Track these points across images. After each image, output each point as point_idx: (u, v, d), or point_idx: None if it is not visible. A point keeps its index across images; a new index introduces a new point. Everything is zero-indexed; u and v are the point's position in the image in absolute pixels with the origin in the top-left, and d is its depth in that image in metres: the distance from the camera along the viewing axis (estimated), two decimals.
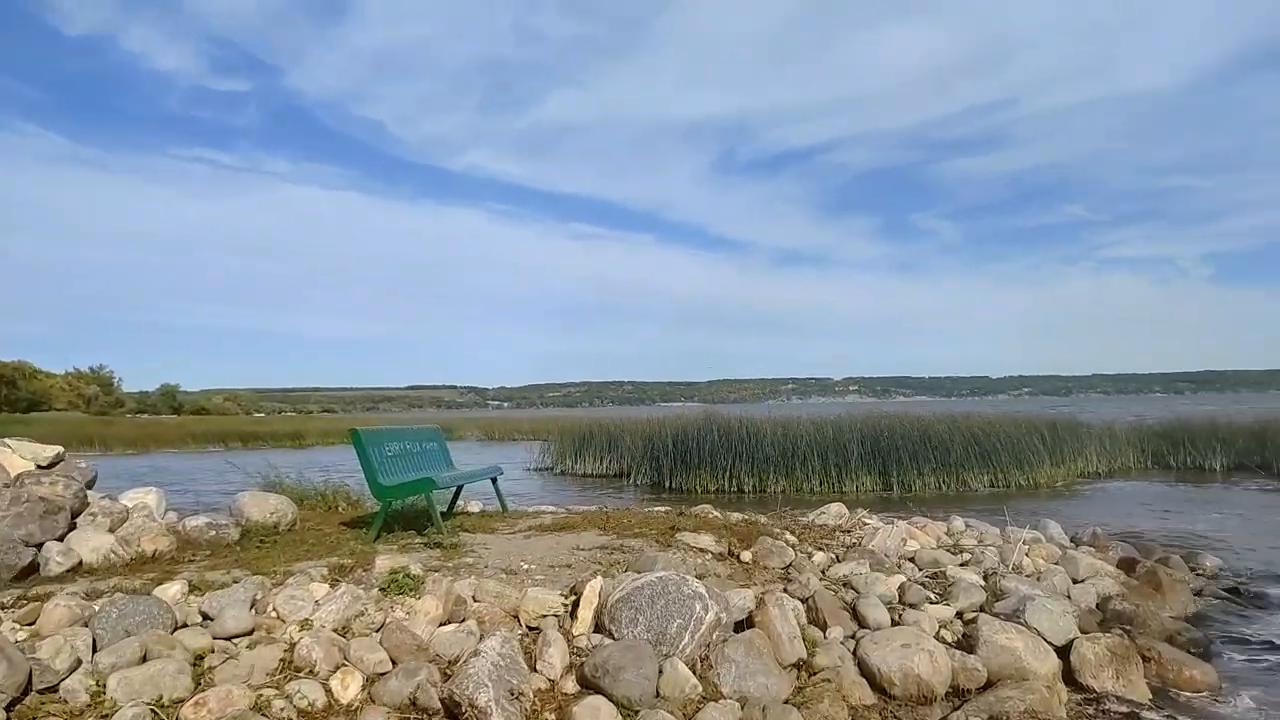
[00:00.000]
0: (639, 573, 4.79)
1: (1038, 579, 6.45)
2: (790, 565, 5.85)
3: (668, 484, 18.07)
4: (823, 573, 5.87)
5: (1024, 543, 7.36)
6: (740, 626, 4.77)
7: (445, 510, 7.79)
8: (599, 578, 4.64)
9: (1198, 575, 8.13)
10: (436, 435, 7.47)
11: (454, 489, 7.73)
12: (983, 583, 5.93)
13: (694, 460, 17.76)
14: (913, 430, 17.53)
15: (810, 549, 6.39)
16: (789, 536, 6.65)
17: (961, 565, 6.33)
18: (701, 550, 5.78)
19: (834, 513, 8.53)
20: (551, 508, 8.44)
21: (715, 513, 8.18)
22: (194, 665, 3.79)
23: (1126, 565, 7.63)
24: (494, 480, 7.57)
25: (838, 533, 7.11)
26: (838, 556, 6.29)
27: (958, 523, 8.38)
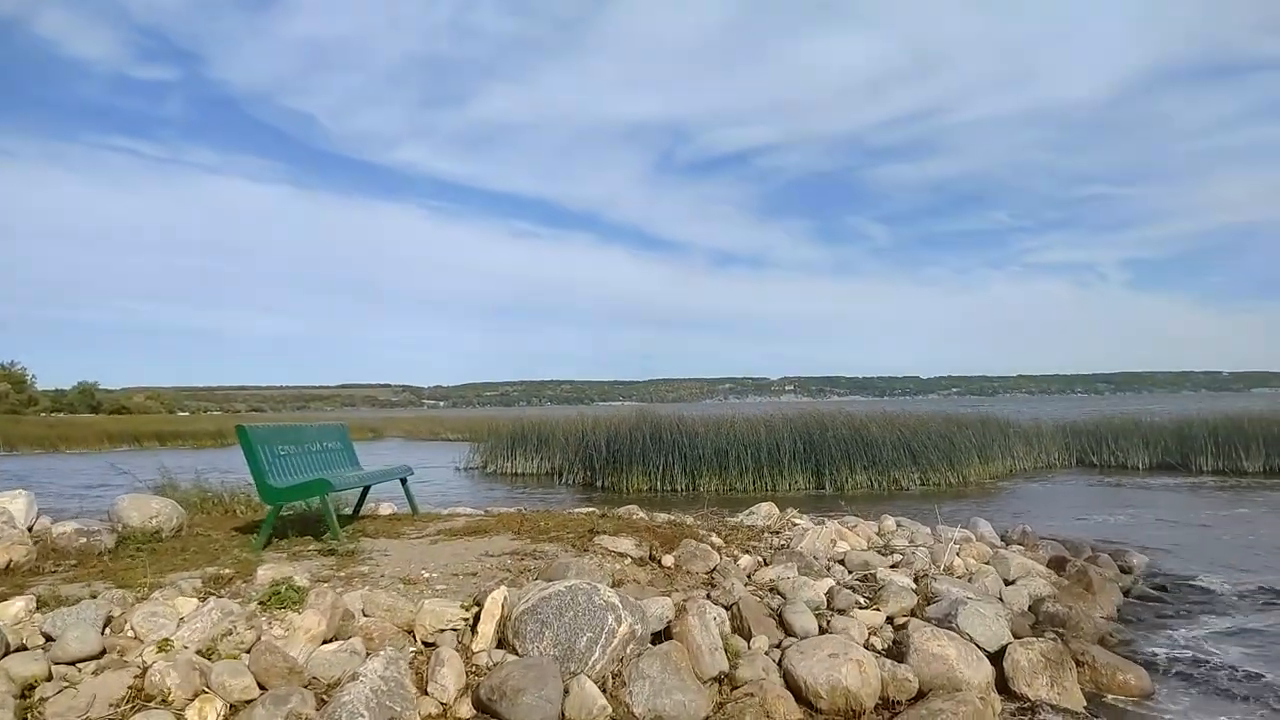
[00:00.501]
0: (549, 581, 4.40)
1: (969, 580, 6.25)
2: (714, 570, 5.52)
3: (600, 484, 17.72)
4: (748, 577, 5.55)
5: (955, 543, 7.18)
6: (658, 638, 4.41)
7: (351, 513, 7.28)
8: (503, 588, 4.23)
9: (1126, 573, 8.08)
10: (340, 433, 6.95)
11: (361, 491, 7.23)
12: (914, 585, 5.69)
13: (626, 460, 17.44)
14: (845, 428, 17.48)
15: (737, 552, 6.07)
16: (715, 539, 6.33)
17: (892, 567, 6.08)
18: (620, 555, 5.41)
19: (763, 513, 8.25)
20: (469, 510, 7.99)
21: (641, 514, 7.83)
22: (20, 698, 3.26)
23: (1057, 564, 7.52)
24: (403, 481, 7.08)
25: (766, 534, 6.81)
26: (765, 559, 5.98)
27: (889, 522, 8.18)
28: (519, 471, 20.99)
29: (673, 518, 7.48)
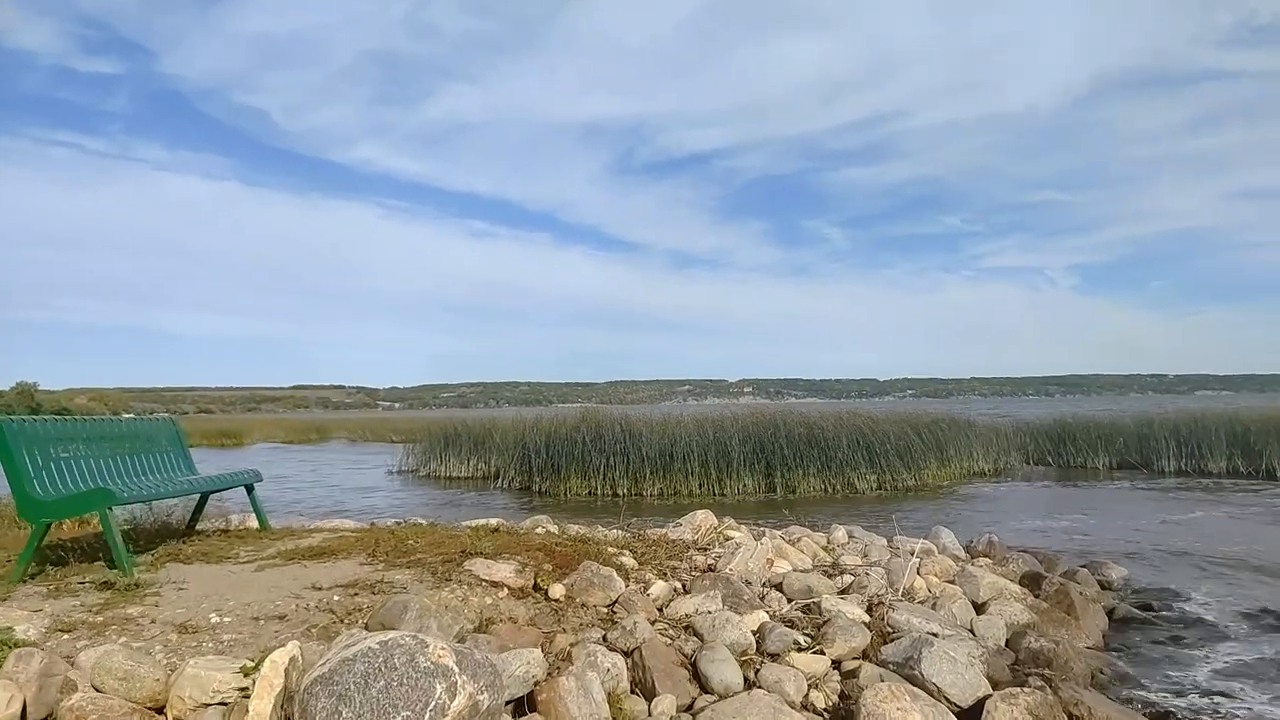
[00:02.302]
0: (366, 632, 3.20)
1: (934, 606, 5.16)
2: (617, 602, 4.35)
3: (538, 488, 16.51)
4: (659, 611, 4.39)
5: (915, 556, 6.10)
6: (521, 707, 3.24)
7: (186, 528, 5.99)
8: (293, 644, 3.00)
9: (1107, 589, 7.12)
10: (166, 429, 5.64)
11: (198, 501, 5.94)
12: (866, 617, 4.58)
13: (565, 463, 16.24)
14: (797, 429, 16.47)
15: (650, 575, 4.90)
16: (626, 559, 5.15)
17: (841, 593, 4.96)
18: (495, 585, 4.21)
19: (694, 524, 7.12)
20: (345, 523, 6.72)
21: (550, 526, 6.64)
22: None
23: (1031, 582, 6.49)
24: (249, 489, 5.80)
25: (692, 551, 5.65)
26: (684, 585, 4.82)
27: (839, 533, 7.09)
28: (453, 475, 19.71)
29: (584, 531, 6.31)
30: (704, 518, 7.55)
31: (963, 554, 7.48)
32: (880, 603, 4.85)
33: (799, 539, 6.32)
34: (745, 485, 15.73)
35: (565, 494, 15.66)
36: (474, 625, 3.83)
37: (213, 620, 3.52)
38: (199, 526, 6.21)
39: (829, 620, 4.34)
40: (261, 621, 3.52)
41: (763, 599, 4.68)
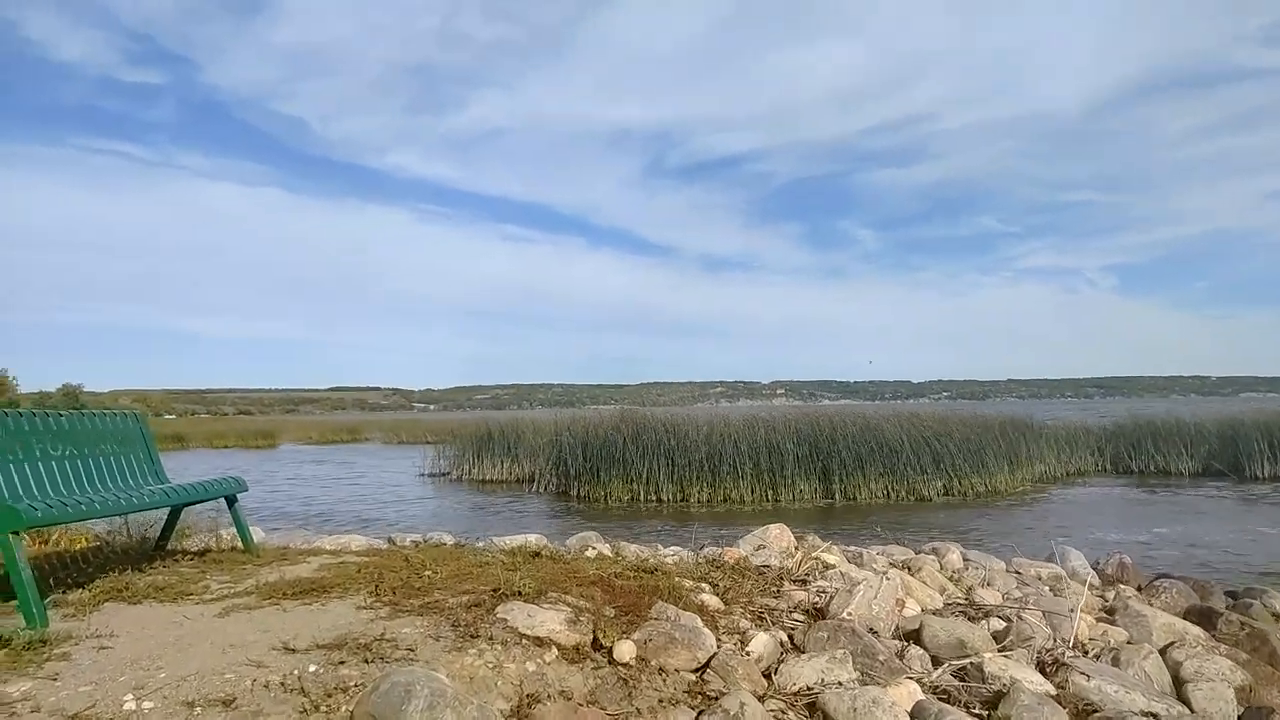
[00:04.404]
0: None
1: (1114, 661, 3.89)
2: (708, 666, 3.13)
3: (575, 493, 15.36)
4: (768, 678, 3.17)
5: (1085, 589, 4.82)
6: None
7: (155, 546, 4.87)
8: None
9: None
10: (127, 426, 4.50)
11: (169, 515, 4.81)
12: (1047, 684, 3.32)
13: (605, 466, 15.06)
14: (855, 430, 15.14)
15: (743, 621, 3.69)
16: (706, 595, 3.94)
17: (1002, 649, 3.69)
18: (539, 643, 3.02)
19: (775, 543, 5.90)
20: (353, 540, 5.56)
21: (601, 546, 5.44)
22: None
23: (1201, 618, 5.17)
24: (230, 501, 4.66)
25: (787, 583, 4.42)
26: (791, 637, 3.59)
27: (953, 556, 5.83)
28: (486, 478, 18.63)
29: (644, 554, 5.11)
30: (778, 533, 6.34)
31: (1095, 579, 6.19)
32: (1055, 660, 3.59)
33: (920, 568, 5.04)
34: (800, 491, 14.46)
35: (605, 500, 14.50)
36: (511, 708, 2.64)
37: (125, 708, 2.36)
38: (176, 545, 5.10)
39: (1003, 693, 3.09)
40: (197, 710, 2.35)
41: (902, 657, 3.44)
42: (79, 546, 5.14)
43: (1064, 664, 3.54)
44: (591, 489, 15.04)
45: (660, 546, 5.99)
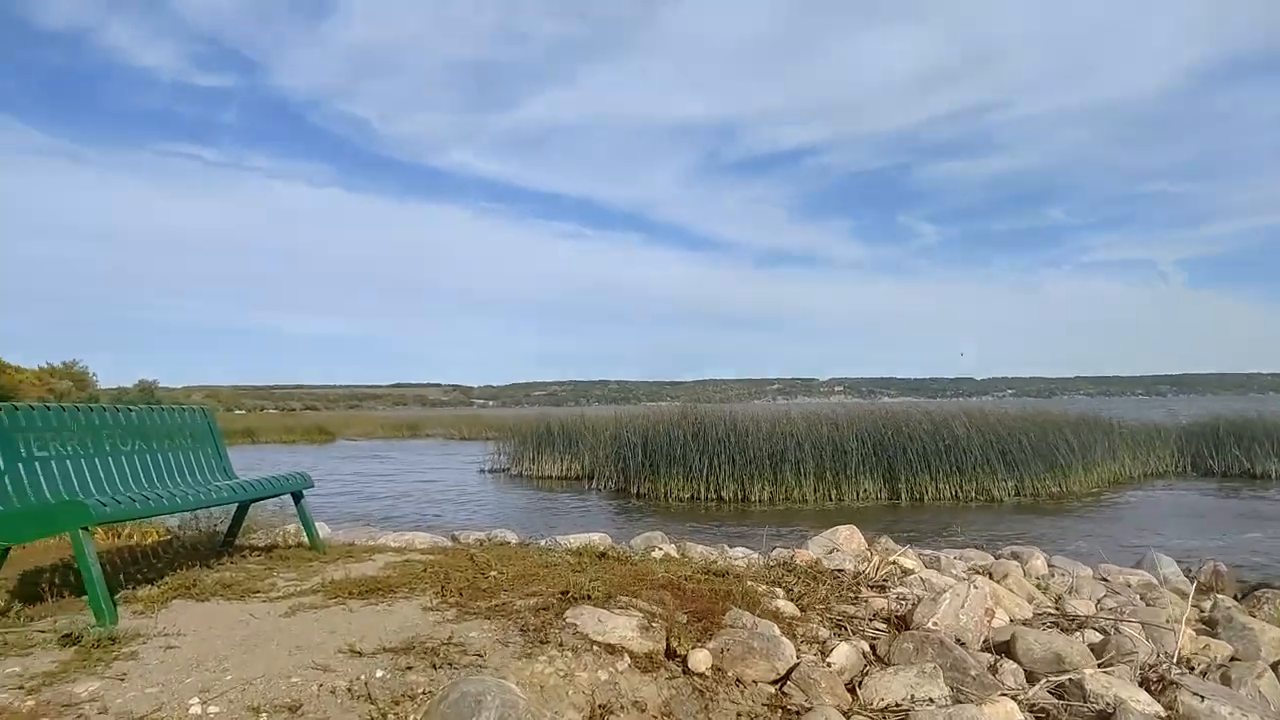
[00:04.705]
0: None
1: (1223, 679, 3.61)
2: (788, 677, 2.96)
3: (635, 490, 15.25)
4: (852, 693, 2.99)
5: (1189, 601, 4.53)
6: None
7: (223, 543, 4.88)
8: None
9: None
10: (195, 422, 4.51)
11: (236, 510, 4.81)
12: (1154, 704, 3.08)
13: (665, 463, 14.92)
14: (922, 428, 14.73)
15: (820, 629, 3.51)
16: (780, 601, 3.77)
17: (1102, 665, 3.45)
18: (611, 649, 2.89)
19: (846, 544, 5.70)
20: (417, 538, 5.52)
21: (666, 546, 5.31)
22: None
23: None
24: (296, 497, 4.63)
25: (864, 588, 4.22)
26: (873, 648, 3.40)
27: (1037, 562, 5.54)
28: (546, 474, 18.65)
29: (712, 557, 4.96)
30: (849, 535, 6.14)
31: (1188, 586, 5.83)
32: (1161, 678, 3.34)
33: (1005, 575, 4.79)
34: (865, 490, 14.12)
35: (665, 498, 14.36)
36: (583, 719, 2.52)
37: (191, 712, 2.30)
38: (244, 541, 5.11)
39: (1108, 714, 2.86)
40: (262, 717, 2.27)
41: (995, 672, 3.23)
42: (150, 541, 5.19)
43: (1171, 682, 3.28)
44: (652, 486, 14.91)
45: (727, 547, 5.83)
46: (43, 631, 2.96)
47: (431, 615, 3.21)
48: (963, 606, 3.57)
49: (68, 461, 3.48)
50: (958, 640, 3.41)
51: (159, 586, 3.57)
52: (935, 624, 3.49)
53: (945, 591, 3.65)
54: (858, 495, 14.01)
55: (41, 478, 3.33)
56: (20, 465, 3.25)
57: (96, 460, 3.64)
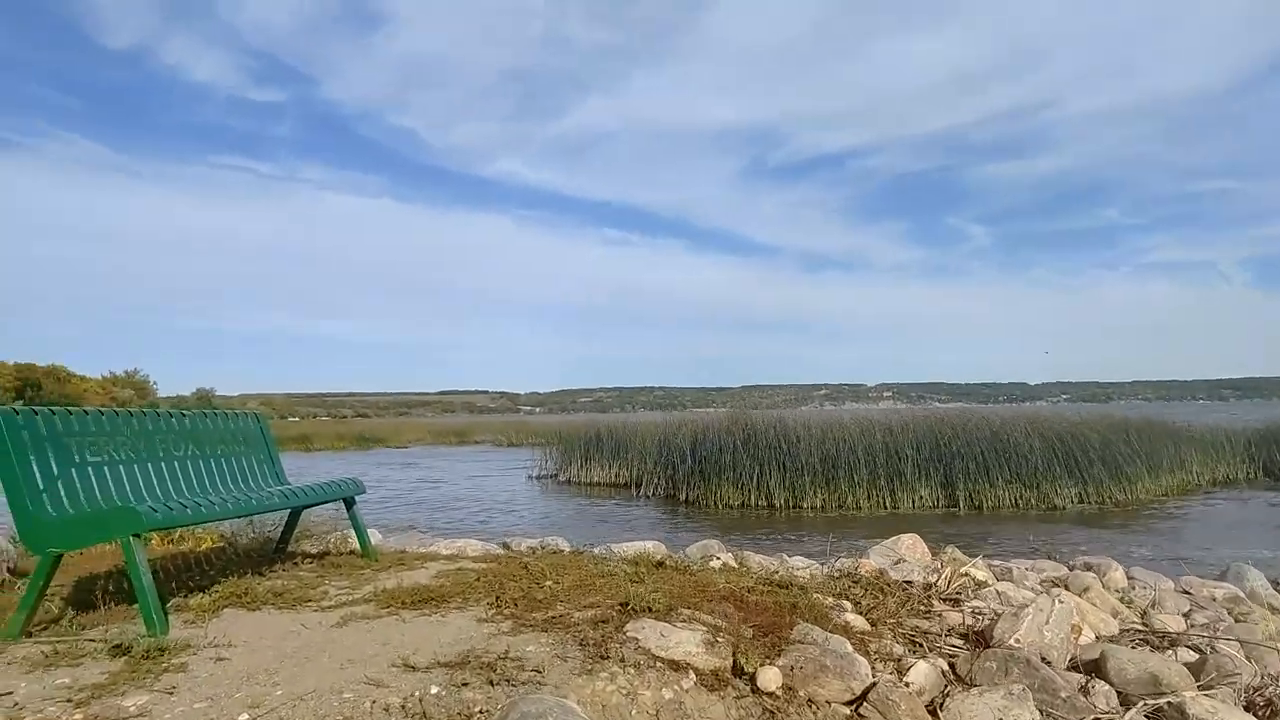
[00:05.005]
0: None
1: None
2: (864, 698, 2.78)
3: (684, 496, 15.07)
4: (933, 715, 2.79)
5: (1263, 610, 4.23)
6: None
7: (275, 549, 4.82)
8: None
9: None
10: (249, 424, 4.45)
11: (288, 517, 4.75)
12: None
13: (715, 469, 14.72)
14: (981, 433, 14.31)
15: (894, 644, 3.31)
16: (850, 615, 3.58)
17: (1204, 688, 3.19)
18: (674, 666, 2.73)
19: (908, 553, 5.47)
20: (469, 545, 5.41)
21: (724, 555, 5.13)
22: None
23: None
24: (348, 503, 4.56)
25: (935, 601, 4.00)
26: (952, 666, 3.20)
27: (1116, 574, 5.26)
28: (593, 481, 18.57)
29: (772, 566, 4.77)
30: (911, 544, 5.90)
31: (1276, 598, 5.51)
32: (1269, 702, 3.08)
33: (1085, 587, 4.52)
34: (921, 497, 13.76)
35: (716, 505, 14.15)
36: None
37: None
38: (296, 548, 5.06)
39: None
40: None
41: (1086, 693, 3.00)
42: (204, 547, 5.17)
43: (1274, 702, 3.02)
44: (701, 493, 14.72)
45: (786, 556, 5.64)
46: (93, 640, 2.90)
47: (486, 627, 3.09)
48: (1047, 622, 3.34)
49: (120, 467, 3.44)
50: (1043, 658, 3.18)
51: (210, 594, 3.50)
52: (1018, 641, 3.27)
53: (1027, 606, 3.42)
54: (913, 503, 13.66)
55: (94, 483, 3.29)
56: (73, 470, 3.20)
57: (149, 466, 3.59)
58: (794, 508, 13.79)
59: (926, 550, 5.93)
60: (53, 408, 3.23)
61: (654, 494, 16.03)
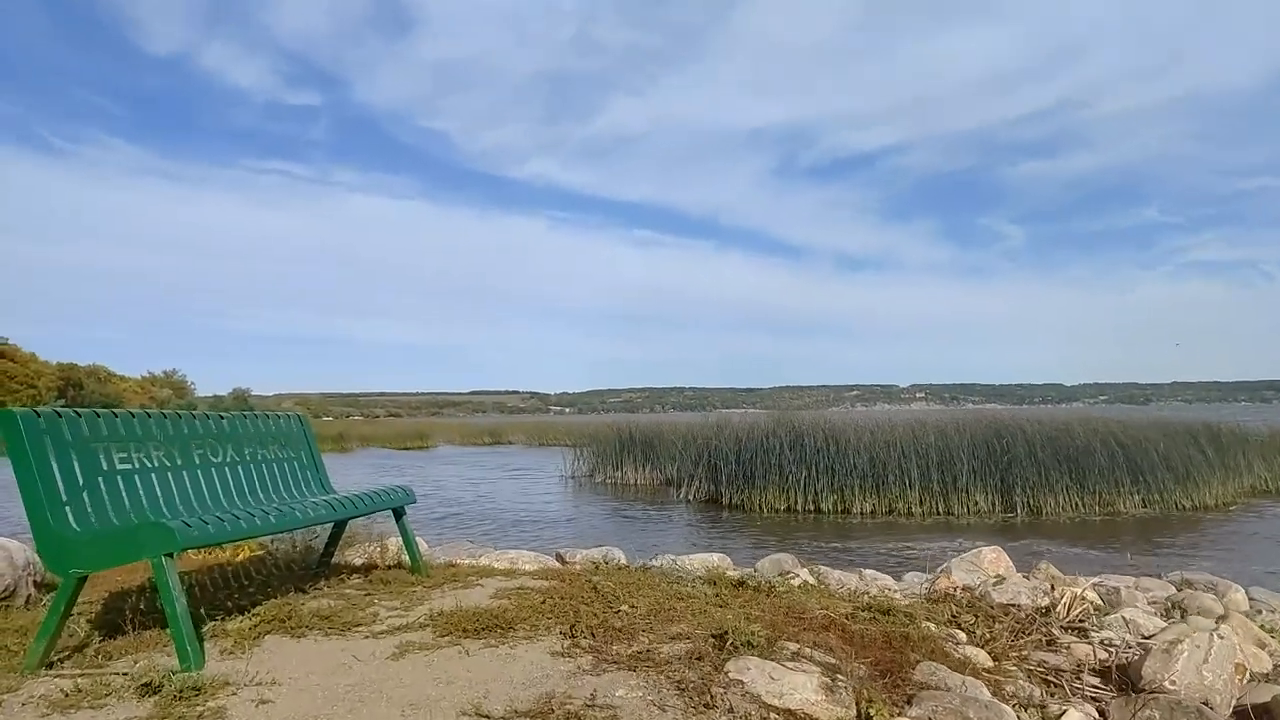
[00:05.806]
0: None
1: None
2: None
3: (726, 500, 14.62)
4: None
5: None
6: None
7: (317, 564, 4.47)
8: None
9: None
10: (292, 426, 4.09)
11: (333, 528, 4.40)
12: None
13: (759, 472, 14.26)
14: (1039, 436, 13.71)
15: (1028, 683, 2.87)
16: (965, 646, 3.15)
17: None
18: (792, 717, 2.33)
19: (990, 568, 5.01)
20: (522, 556, 5.03)
21: (801, 572, 4.70)
22: None
23: None
24: (398, 514, 4.19)
25: (1057, 630, 3.55)
26: (1101, 714, 2.76)
27: (1237, 595, 4.76)
28: (629, 482, 18.19)
29: (854, 584, 4.34)
30: (994, 558, 5.44)
31: None
32: None
33: (1225, 614, 4.04)
34: (976, 503, 13.19)
35: (760, 508, 13.69)
36: None
37: None
38: (339, 559, 4.71)
39: None
40: None
41: None
42: (241, 557, 4.84)
43: None
44: (745, 497, 14.27)
45: (863, 570, 5.20)
46: (120, 674, 2.54)
47: (563, 663, 2.69)
48: (1205, 660, 2.89)
49: (153, 475, 3.09)
50: (1204, 703, 2.73)
51: (250, 617, 3.14)
52: (1173, 683, 2.82)
53: (1181, 641, 2.96)
54: (968, 510, 13.11)
55: (124, 493, 2.94)
56: (100, 480, 2.86)
57: (185, 473, 3.25)
58: (842, 513, 13.30)
59: (1010, 564, 5.47)
60: (78, 409, 2.89)
61: (694, 497, 15.61)
